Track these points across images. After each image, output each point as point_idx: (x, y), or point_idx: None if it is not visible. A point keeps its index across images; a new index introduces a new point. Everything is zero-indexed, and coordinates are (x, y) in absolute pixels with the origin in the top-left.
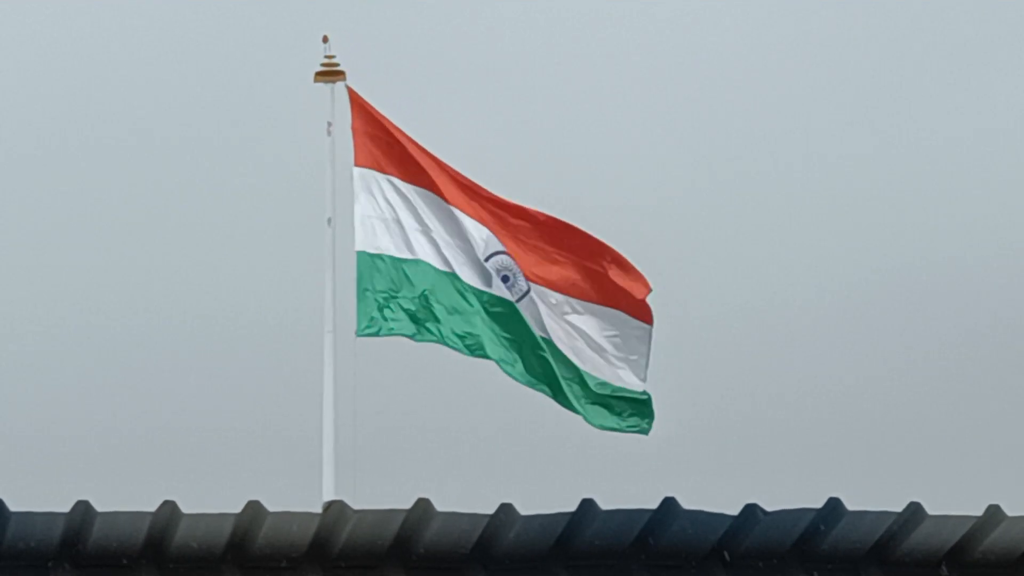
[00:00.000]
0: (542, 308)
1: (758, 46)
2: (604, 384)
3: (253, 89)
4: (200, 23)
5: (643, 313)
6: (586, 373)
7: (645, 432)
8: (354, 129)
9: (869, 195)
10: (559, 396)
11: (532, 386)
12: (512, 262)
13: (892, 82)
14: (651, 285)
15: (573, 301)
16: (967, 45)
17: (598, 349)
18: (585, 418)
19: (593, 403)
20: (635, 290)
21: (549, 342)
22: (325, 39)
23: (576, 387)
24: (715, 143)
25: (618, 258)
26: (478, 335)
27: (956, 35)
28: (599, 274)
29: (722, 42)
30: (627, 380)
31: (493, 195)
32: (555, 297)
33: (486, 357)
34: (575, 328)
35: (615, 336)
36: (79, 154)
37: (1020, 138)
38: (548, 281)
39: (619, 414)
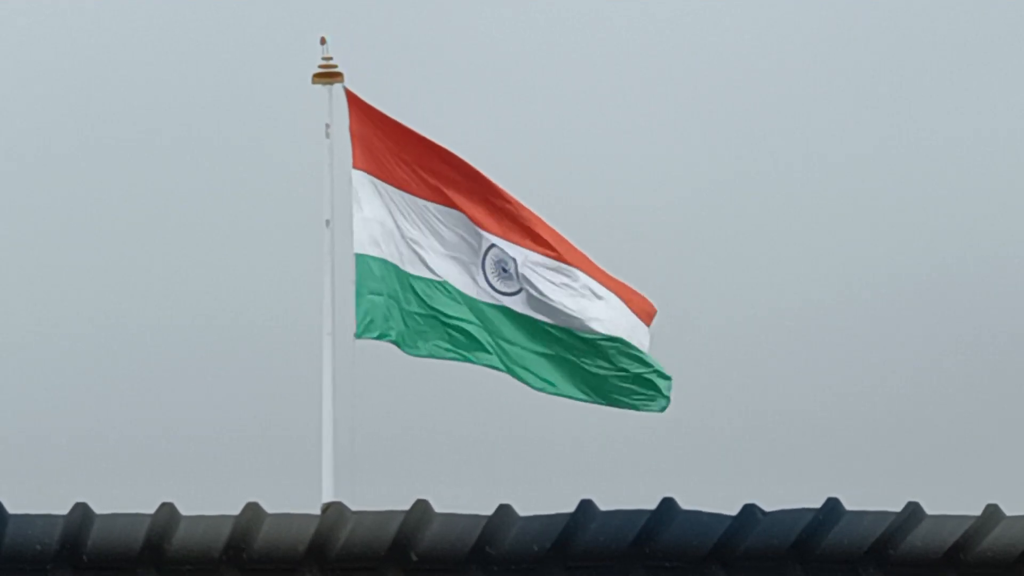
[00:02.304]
0: (541, 284)
1: (758, 46)
2: (613, 340)
3: (251, 91)
4: (198, 25)
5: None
6: (589, 334)
7: (661, 407)
8: (352, 131)
9: (868, 196)
10: (565, 387)
11: (525, 381)
12: (507, 254)
13: (892, 82)
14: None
15: (575, 271)
16: (967, 45)
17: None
18: (595, 401)
19: (598, 386)
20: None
21: (551, 327)
22: (323, 41)
23: (581, 368)
24: (715, 143)
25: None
26: (472, 339)
27: (956, 35)
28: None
29: (722, 42)
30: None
31: (501, 189)
32: (554, 265)
33: (482, 363)
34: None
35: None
36: (79, 154)
37: (1020, 138)
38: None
39: (628, 393)
